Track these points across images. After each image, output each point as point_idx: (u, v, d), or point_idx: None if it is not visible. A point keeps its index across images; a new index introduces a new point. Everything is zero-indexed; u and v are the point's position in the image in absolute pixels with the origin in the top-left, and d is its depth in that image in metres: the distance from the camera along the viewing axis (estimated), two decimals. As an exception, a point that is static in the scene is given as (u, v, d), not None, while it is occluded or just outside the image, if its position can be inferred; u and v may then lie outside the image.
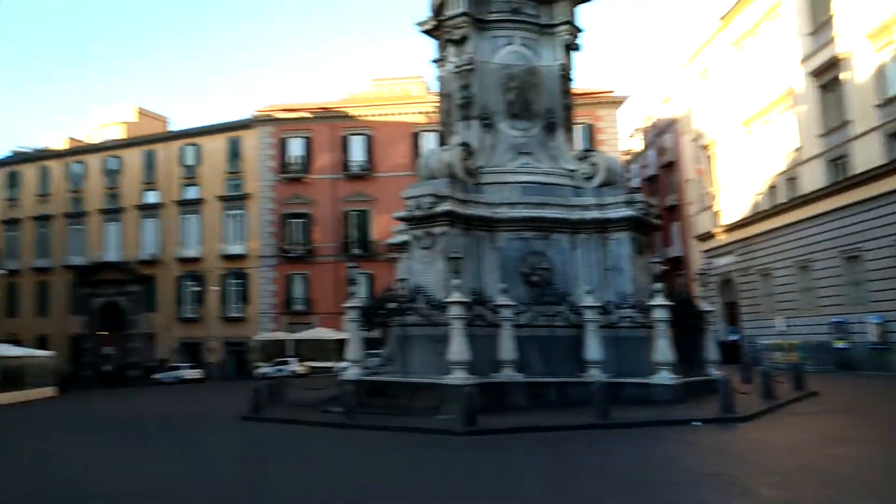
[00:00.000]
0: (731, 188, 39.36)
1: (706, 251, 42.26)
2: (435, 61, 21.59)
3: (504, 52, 19.66)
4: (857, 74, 27.80)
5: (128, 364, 47.55)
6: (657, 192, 50.86)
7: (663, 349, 15.85)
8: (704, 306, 18.84)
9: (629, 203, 18.01)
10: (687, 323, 17.68)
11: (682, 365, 16.88)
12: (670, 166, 49.80)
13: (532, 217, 17.92)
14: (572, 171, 19.09)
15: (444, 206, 17.00)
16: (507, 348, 16.02)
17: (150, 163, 50.97)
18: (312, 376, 34.41)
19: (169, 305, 48.66)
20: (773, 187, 35.19)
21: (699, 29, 43.95)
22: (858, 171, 27.51)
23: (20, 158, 55.50)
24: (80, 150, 54.23)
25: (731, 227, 38.92)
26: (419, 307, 16.49)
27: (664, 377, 15.80)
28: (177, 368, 43.34)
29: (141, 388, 39.80)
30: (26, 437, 16.34)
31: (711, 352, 18.67)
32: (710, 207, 42.36)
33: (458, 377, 14.90)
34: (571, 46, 20.28)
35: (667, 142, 50.74)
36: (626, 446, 11.20)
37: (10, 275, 50.18)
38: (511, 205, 18.09)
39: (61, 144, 56.71)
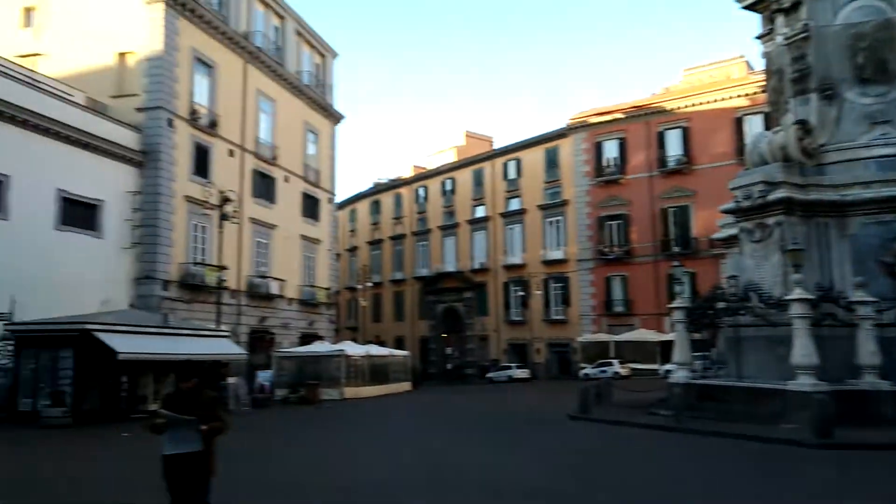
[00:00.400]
0: None
1: None
2: (759, 37, 19.87)
3: (848, 9, 17.22)
4: None
5: (465, 363, 53.07)
6: None
7: None
8: None
9: None
10: None
11: None
12: None
13: (893, 196, 15.38)
14: (947, 135, 15.90)
15: (779, 194, 15.60)
16: (867, 351, 14.02)
17: (478, 180, 56.18)
18: (635, 378, 34.15)
19: (498, 309, 52.88)
20: None
21: None
22: None
23: (379, 189, 66.04)
24: (421, 177, 62.38)
25: None
26: (753, 306, 15.38)
27: None
28: (507, 368, 46.81)
29: (477, 384, 43.99)
30: (402, 425, 19.41)
31: None
32: None
33: (805, 382, 13.53)
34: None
35: None
36: None
37: (374, 287, 60.08)
38: (865, 184, 15.79)
39: (409, 173, 65.92)
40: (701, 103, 44.27)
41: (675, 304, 17.27)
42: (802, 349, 13.68)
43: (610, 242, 46.64)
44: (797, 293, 14.01)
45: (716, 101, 43.65)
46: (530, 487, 9.07)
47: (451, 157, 62.67)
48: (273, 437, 16.65)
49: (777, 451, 11.47)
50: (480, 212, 55.57)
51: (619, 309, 45.99)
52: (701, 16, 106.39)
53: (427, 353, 56.90)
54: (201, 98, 30.70)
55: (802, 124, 16.66)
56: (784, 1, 17.85)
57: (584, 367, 41.89)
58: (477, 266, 54.53)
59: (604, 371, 38.71)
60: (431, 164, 64.89)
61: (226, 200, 26.69)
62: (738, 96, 42.75)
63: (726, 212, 17.56)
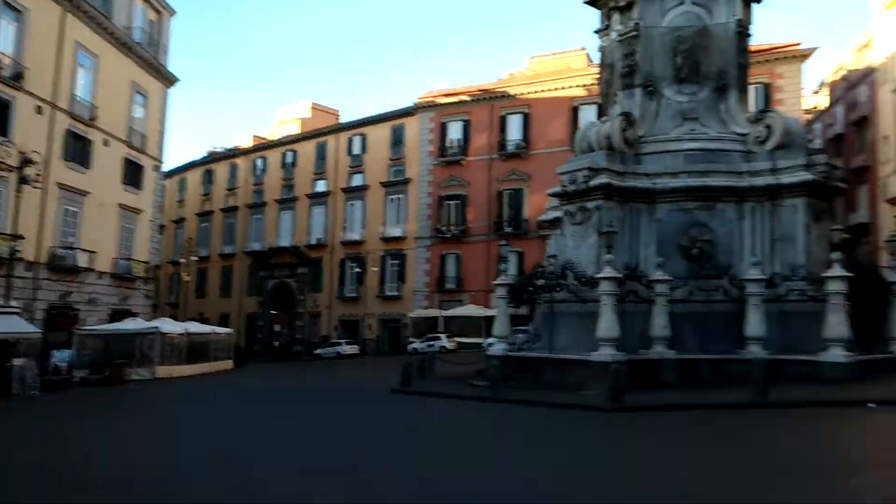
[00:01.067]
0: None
1: (901, 217, 37.31)
2: (597, 31, 21.02)
3: (673, 13, 18.69)
4: None
5: (294, 340, 52.06)
6: (843, 153, 45.58)
7: (836, 324, 14.41)
8: (891, 277, 16.78)
9: (808, 166, 16.45)
10: (870, 295, 15.88)
11: (861, 341, 15.26)
12: (862, 122, 44.27)
13: (695, 186, 17.01)
14: (744, 135, 17.79)
15: (600, 180, 16.67)
16: (658, 324, 15.45)
17: (321, 154, 54.84)
18: (461, 351, 35.41)
19: (332, 286, 52.31)
20: None
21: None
22: None
23: (214, 158, 62.23)
24: (261, 147, 59.69)
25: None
26: (568, 283, 16.36)
27: (835, 354, 14.38)
28: (336, 344, 46.60)
29: (305, 361, 43.40)
30: (210, 405, 18.51)
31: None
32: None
33: (605, 353, 14.65)
34: (750, -1, 18.83)
35: (860, 95, 45.17)
36: (788, 428, 10.41)
37: (200, 261, 56.81)
38: (673, 174, 17.30)
39: (249, 143, 62.80)
40: (542, 91, 46.32)
41: (497, 280, 17.94)
42: (606, 323, 14.79)
43: (448, 221, 47.72)
44: (606, 272, 15.09)
45: (556, 89, 45.86)
46: (339, 464, 8.89)
47: (295, 130, 60.63)
48: (50, 421, 15.12)
49: (577, 415, 12.32)
50: (321, 186, 54.41)
51: (451, 286, 47.31)
52: (550, 5, 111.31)
53: (254, 330, 54.93)
54: (5, 45, 26.92)
55: (626, 116, 17.91)
56: (620, 0, 19.00)
57: (413, 342, 42.68)
58: (314, 241, 53.43)
59: (431, 345, 39.68)
60: (273, 136, 62.33)
61: (27, 162, 23.73)
62: (577, 86, 45.20)
63: (553, 195, 18.50)
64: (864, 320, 15.59)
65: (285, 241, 54.83)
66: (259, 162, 58.70)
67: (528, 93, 46.64)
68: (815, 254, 16.44)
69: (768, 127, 17.40)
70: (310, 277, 53.37)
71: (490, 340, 19.12)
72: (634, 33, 18.46)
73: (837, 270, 14.69)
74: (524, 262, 38.95)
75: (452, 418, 13.08)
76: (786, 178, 16.56)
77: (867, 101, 44.46)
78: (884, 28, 41.11)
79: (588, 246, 16.83)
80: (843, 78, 49.17)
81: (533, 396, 14.28)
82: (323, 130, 55.25)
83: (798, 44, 42.19)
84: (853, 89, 46.98)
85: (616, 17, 19.27)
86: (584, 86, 44.12)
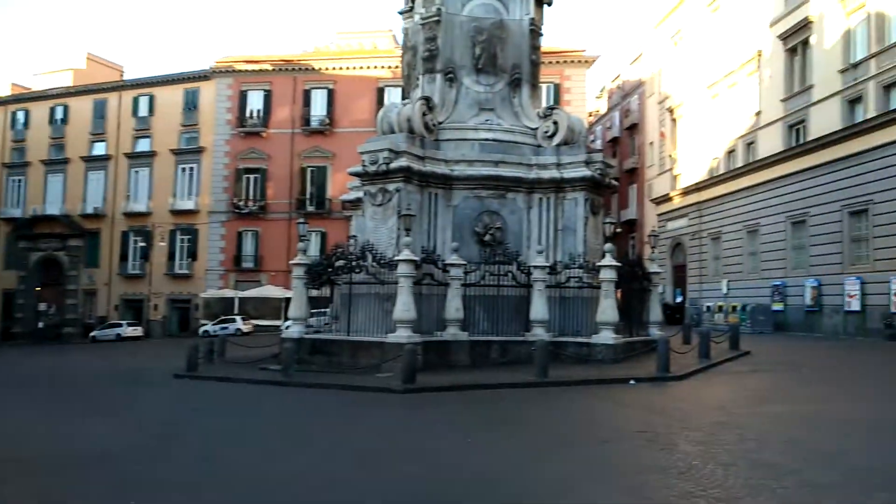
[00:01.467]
0: (691, 152, 39.72)
1: (661, 214, 42.85)
2: (402, 13, 20.95)
3: (473, 3, 19.11)
4: (826, 38, 27.96)
5: (65, 321, 46.52)
6: (618, 155, 51.06)
7: (607, 309, 15.96)
8: (652, 268, 19.01)
9: (587, 163, 17.89)
10: (634, 284, 17.83)
11: (626, 325, 17.10)
12: (633, 129, 49.93)
13: (489, 175, 17.71)
14: (534, 128, 18.86)
15: (400, 162, 16.67)
16: (452, 307, 15.94)
17: (99, 112, 49.02)
18: (257, 334, 34.14)
19: (112, 261, 47.42)
20: (731, 152, 35.61)
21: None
22: (814, 136, 27.93)
23: (-41, 105, 52.87)
24: (23, 98, 51.83)
25: (687, 191, 39.44)
26: (367, 265, 16.25)
27: (605, 337, 15.95)
28: (116, 326, 42.51)
29: (77, 345, 39.05)
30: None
31: (655, 313, 18.91)
32: (669, 171, 42.75)
33: (401, 335, 14.79)
34: (543, 0, 19.78)
35: (632, 104, 50.73)
36: (562, 404, 11.28)
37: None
38: (469, 162, 17.83)
39: (6, 92, 54.08)
40: (348, 68, 45.68)
41: (295, 260, 17.32)
42: (403, 305, 14.93)
43: (246, 196, 45.42)
44: (404, 254, 15.20)
45: (362, 68, 45.49)
46: (100, 453, 7.95)
47: (68, 81, 53.37)
48: None
49: (369, 397, 12.28)
50: (100, 149, 48.79)
51: (248, 265, 45.25)
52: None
53: (13, 308, 48.00)
54: None
55: (427, 101, 18.09)
56: (423, -18, 19.04)
57: (204, 324, 40.27)
58: (90, 211, 47.88)
59: (225, 328, 37.83)
60: (39, 86, 54.37)
61: None
62: (383, 67, 45.20)
63: (354, 174, 18.22)
64: (629, 306, 17.47)
65: (54, 209, 48.45)
66: (20, 115, 50.99)
67: (334, 69, 45.77)
68: (592, 244, 18.05)
69: (555, 123, 18.70)
70: (85, 251, 47.73)
71: (287, 323, 18.42)
72: (437, 18, 18.73)
73: (609, 260, 16.24)
74: (327, 243, 38.36)
75: (237, 404, 12.35)
76: (569, 173, 17.93)
77: (637, 110, 50.17)
78: (651, 45, 46.59)
79: (388, 228, 16.85)
80: (620, 87, 54.99)
81: (327, 380, 14.00)
82: (103, 86, 49.40)
83: (584, 50, 46.11)
84: (627, 98, 52.71)
85: (420, 0, 19.39)
86: (390, 67, 44.31)
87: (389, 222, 16.90)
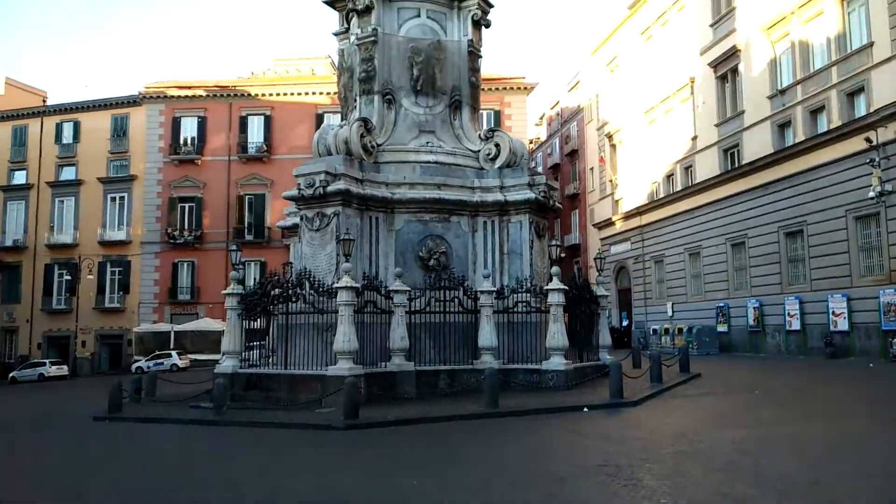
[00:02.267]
0: (632, 177, 40.29)
1: (604, 239, 43.21)
2: (337, 34, 20.32)
3: (410, 24, 18.63)
4: (754, 66, 28.80)
5: (-18, 361, 43.40)
6: (559, 180, 51.54)
7: (557, 334, 15.46)
8: (599, 291, 18.70)
9: (531, 185, 17.51)
10: (582, 308, 17.45)
11: (575, 350, 16.64)
12: (573, 155, 50.53)
13: (431, 198, 17.11)
14: (476, 151, 18.41)
15: (338, 185, 15.89)
16: (397, 336, 15.14)
17: (19, 139, 46.49)
18: (195, 370, 32.39)
19: (34, 296, 44.63)
20: (670, 176, 36.22)
21: (608, 17, 44.72)
22: (748, 160, 28.58)
23: None
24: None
25: (629, 215, 39.90)
26: (305, 293, 15.30)
27: (556, 363, 15.43)
28: (39, 365, 39.78)
29: (-2, 386, 36.32)
30: None
31: (604, 337, 18.57)
32: (610, 195, 43.25)
33: (342, 367, 13.88)
34: (481, 22, 19.43)
35: (572, 130, 51.43)
36: (514, 436, 10.60)
37: None
38: (411, 185, 17.20)
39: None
40: (286, 94, 44.80)
41: (228, 290, 16.23)
42: (343, 335, 14.04)
43: (181, 226, 43.59)
44: (344, 281, 14.35)
45: (300, 94, 44.70)
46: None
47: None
48: None
49: (307, 436, 11.33)
50: (20, 178, 46.22)
51: (184, 297, 43.26)
52: (293, 7, 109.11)
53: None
54: None
55: (365, 122, 17.43)
56: (358, 3, 18.50)
57: (138, 360, 38.11)
58: (9, 244, 45.07)
59: (160, 363, 35.97)
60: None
61: None
62: (321, 93, 44.55)
63: (289, 198, 17.31)
64: (578, 331, 17.03)
65: (-31, 241, 45.36)
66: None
67: (271, 94, 44.85)
68: (539, 268, 17.63)
69: (497, 145, 18.32)
70: (4, 286, 44.81)
71: (221, 357, 17.19)
72: (373, 39, 18.20)
73: (557, 283, 15.79)
74: (266, 273, 36.87)
75: (159, 448, 11.17)
76: (512, 196, 17.51)
77: (577, 136, 50.91)
78: (588, 72, 47.48)
79: (326, 254, 16.00)
80: (559, 113, 55.82)
81: (263, 417, 12.94)
82: (23, 111, 46.92)
83: (523, 77, 46.58)
84: (566, 124, 53.49)
85: (355, 20, 18.87)
86: (329, 93, 43.75)
87: (328, 248, 16.05)
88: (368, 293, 15.22)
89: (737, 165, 29.89)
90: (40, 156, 45.83)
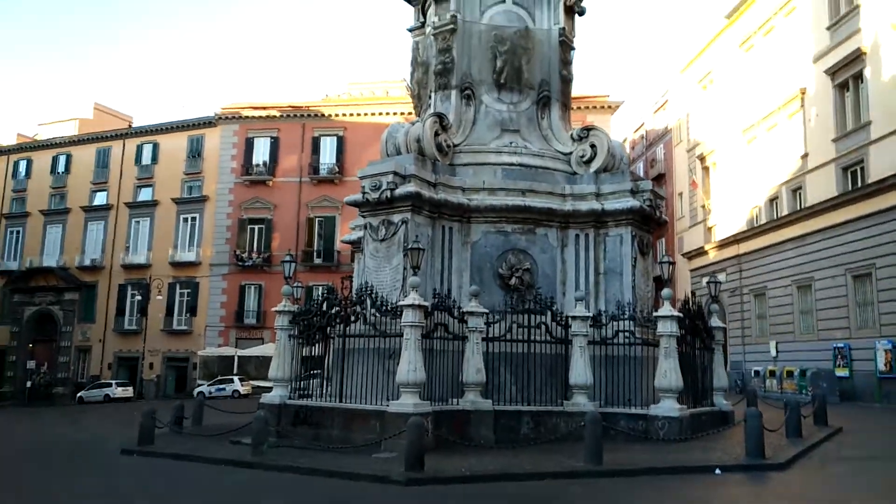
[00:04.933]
0: (727, 202, 36.66)
1: (694, 270, 39.48)
2: (412, 29, 18.37)
3: (494, 10, 16.41)
4: (883, 69, 25.14)
5: (55, 380, 43.36)
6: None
7: (669, 372, 12.55)
8: (714, 322, 15.64)
9: (634, 192, 14.83)
10: (695, 341, 14.45)
11: (687, 393, 13.63)
12: (660, 179, 47.05)
13: (514, 206, 14.65)
14: (567, 154, 15.89)
15: (408, 188, 13.70)
16: (472, 367, 12.62)
17: (103, 161, 47.22)
18: (255, 396, 30.71)
19: (108, 316, 44.60)
20: (773, 199, 32.47)
21: (700, 31, 41.60)
22: (875, 178, 24.77)
23: (-39, 155, 51.49)
24: (27, 147, 50.30)
25: (724, 244, 36.18)
26: (365, 312, 13.05)
27: (668, 407, 12.49)
28: (105, 385, 39.25)
29: (64, 407, 35.76)
30: None
31: (720, 377, 15.45)
32: (702, 222, 39.63)
33: (406, 403, 11.47)
34: (574, 8, 17.05)
35: (658, 153, 48.14)
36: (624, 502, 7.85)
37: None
38: (490, 190, 14.83)
39: (11, 141, 52.73)
40: (359, 115, 43.71)
41: (278, 307, 14.18)
42: (409, 364, 11.65)
43: (249, 248, 42.72)
44: (411, 298, 12.02)
45: (373, 114, 43.49)
46: None
47: (73, 131, 51.96)
48: None
49: (358, 490, 8.91)
50: (101, 198, 46.74)
51: (250, 321, 42.11)
52: (372, 34, 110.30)
53: (4, 366, 44.95)
54: None
55: (439, 118, 15.26)
56: (436, -11, 16.53)
57: (200, 385, 37.00)
58: (87, 263, 45.40)
59: (222, 388, 34.73)
60: (44, 135, 53.00)
61: None
62: (395, 114, 43.18)
63: (352, 204, 15.24)
64: (687, 369, 14.01)
65: (51, 261, 46.13)
66: (22, 164, 49.31)
67: (344, 115, 43.79)
68: (642, 290, 14.80)
69: (593, 146, 15.73)
70: (81, 305, 45.09)
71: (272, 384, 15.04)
72: (451, 27, 16.07)
73: (668, 309, 12.94)
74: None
75: (176, 493, 8.97)
76: (611, 204, 14.84)
77: (664, 159, 47.51)
78: (677, 91, 44.28)
79: (392, 268, 13.75)
80: (643, 136, 52.61)
81: (308, 461, 10.62)
82: (107, 134, 47.69)
83: (607, 95, 43.85)
84: (652, 147, 50.17)
85: (432, 9, 16.84)
86: (403, 114, 42.30)
87: (394, 261, 13.80)
88: (439, 314, 12.80)
89: (860, 185, 26.04)
90: (121, 177, 46.29)
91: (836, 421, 15.71)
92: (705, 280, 37.51)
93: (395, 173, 13.83)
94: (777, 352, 31.01)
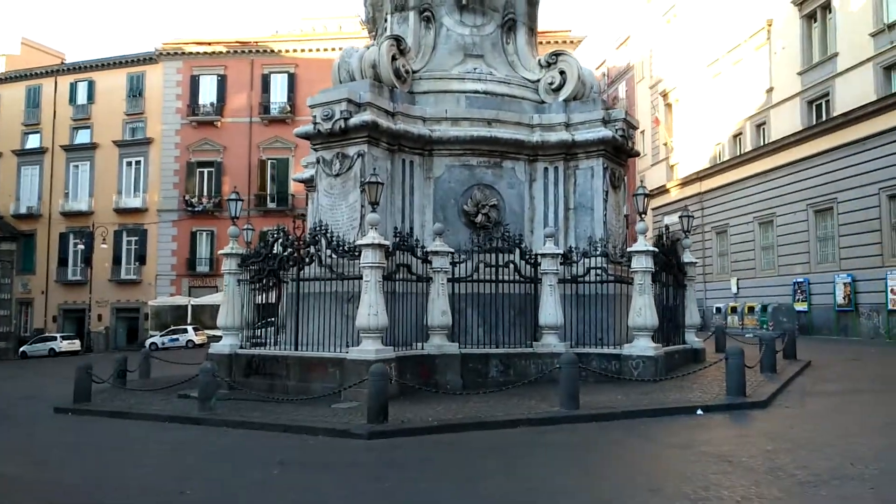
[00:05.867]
0: (690, 139, 36.21)
1: (656, 209, 39.22)
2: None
3: (454, -79, 14.96)
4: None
5: (-2, 334, 41.39)
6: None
7: (644, 309, 11.95)
8: (687, 257, 15.11)
9: (606, 121, 13.92)
10: (668, 278, 13.88)
11: (660, 331, 13.10)
12: (621, 118, 46.30)
13: (480, 137, 13.60)
14: (535, 81, 14.78)
15: (363, 117, 12.50)
16: (437, 309, 11.81)
17: (33, 101, 43.99)
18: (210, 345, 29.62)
19: (49, 267, 42.38)
20: (737, 136, 32.09)
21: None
22: (841, 111, 24.40)
23: None
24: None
25: (687, 181, 35.93)
26: (321, 254, 12.02)
27: (643, 346, 11.94)
28: (49, 339, 37.50)
29: (5, 362, 34.09)
30: None
31: (693, 314, 15.03)
32: (664, 160, 39.21)
33: (367, 349, 10.62)
34: (538, -80, 15.75)
35: (620, 90, 47.23)
36: (613, 456, 7.23)
37: None
38: (454, 121, 13.72)
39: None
40: (311, 50, 41.44)
41: (225, 249, 13.02)
42: (369, 307, 10.74)
43: (199, 192, 40.77)
44: (370, 237, 11.02)
45: (326, 50, 41.25)
46: None
47: (0, 68, 48.14)
48: None
49: (316, 446, 8.09)
50: (34, 141, 43.74)
51: (203, 268, 40.57)
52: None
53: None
54: None
55: (397, 41, 13.94)
56: None
57: (152, 336, 35.68)
58: (23, 211, 42.80)
59: (175, 339, 33.58)
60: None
61: None
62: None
63: (302, 136, 14.01)
64: (665, 306, 13.49)
65: (-20, 209, 43.24)
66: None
67: (295, 51, 41.48)
68: (613, 226, 14.09)
69: (562, 73, 14.66)
70: (20, 256, 42.62)
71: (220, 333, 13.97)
72: (408, -60, 14.60)
73: (643, 244, 12.26)
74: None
75: (108, 457, 8.02)
76: (582, 135, 13.92)
77: (626, 97, 46.63)
78: (640, 25, 43.10)
79: (348, 206, 12.69)
80: (605, 73, 51.45)
81: (260, 415, 9.76)
82: (37, 71, 44.29)
83: (570, 31, 42.47)
84: (614, 84, 49.14)
85: (390, -78, 15.27)
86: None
87: (350, 197, 12.72)
88: (401, 254, 11.88)
89: (826, 118, 25.70)
90: (54, 118, 43.27)
91: (802, 354, 15.54)
92: (666, 220, 37.43)
93: (350, 101, 12.59)
94: (738, 288, 31.20)
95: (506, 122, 13.85)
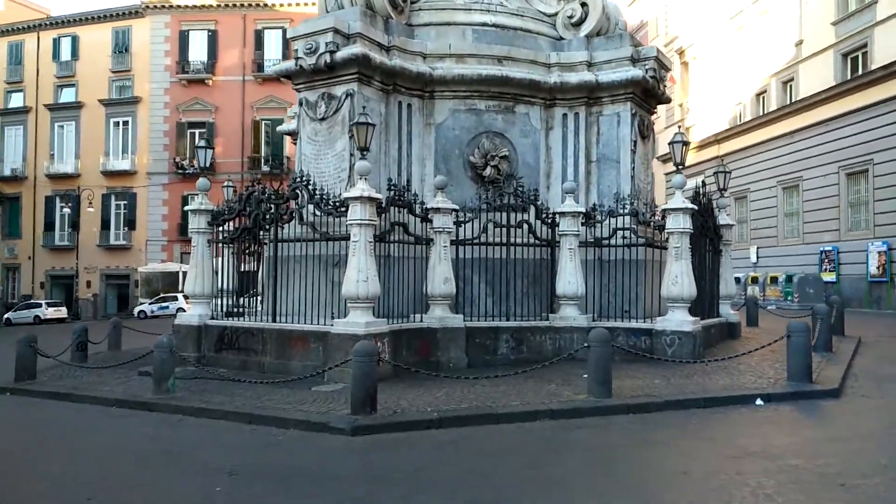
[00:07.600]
0: (707, 100, 34.12)
1: (669, 174, 37.20)
2: None
3: None
4: (895, -66, 22.24)
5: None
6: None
7: (681, 277, 10.19)
8: (724, 219, 13.32)
9: (634, 60, 11.99)
10: (704, 242, 12.10)
11: (696, 303, 11.37)
12: (633, 79, 44.09)
13: (489, 76, 11.69)
14: (552, 15, 12.83)
15: (353, 49, 10.61)
16: (439, 276, 10.05)
17: (15, 58, 41.80)
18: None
19: (35, 231, 40.66)
20: (761, 94, 29.99)
21: None
22: (881, 63, 22.31)
23: None
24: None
25: (704, 145, 33.90)
26: (302, 209, 10.25)
27: (680, 320, 10.22)
28: (35, 306, 35.90)
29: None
30: None
31: (729, 283, 13.29)
32: (679, 122, 37.08)
33: (355, 322, 8.91)
34: None
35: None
36: (668, 465, 5.52)
37: None
38: (458, 57, 11.81)
39: None
40: (307, 3, 39.04)
41: (192, 205, 11.22)
42: (358, 272, 8.98)
43: (190, 154, 38.78)
44: (359, 189, 9.20)
45: (321, 4, 38.82)
46: None
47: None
48: None
49: (292, 443, 6.39)
50: (17, 100, 41.66)
51: (195, 234, 38.72)
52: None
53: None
54: None
55: (393, -36, 11.94)
56: None
57: (142, 303, 34.15)
58: (7, 173, 41.09)
59: (165, 307, 32.04)
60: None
61: None
62: (345, 4, 38.74)
63: (281, 74, 12.09)
64: (697, 273, 11.71)
65: (-38, 171, 41.46)
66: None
67: (290, 4, 39.14)
68: (642, 181, 12.27)
69: (584, 5, 12.69)
70: (5, 220, 41.06)
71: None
72: None
73: (680, 200, 10.44)
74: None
75: (29, 455, 6.36)
76: (607, 76, 12.02)
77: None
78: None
79: (335, 154, 10.88)
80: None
81: (223, 401, 8.08)
82: (17, 26, 42.00)
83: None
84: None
85: None
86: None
87: (337, 145, 10.90)
88: (396, 211, 10.07)
89: (862, 72, 23.61)
90: (38, 75, 41.12)
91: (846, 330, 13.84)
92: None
93: (337, 31, 10.68)
94: (758, 257, 29.45)
95: (519, 60, 11.93)
